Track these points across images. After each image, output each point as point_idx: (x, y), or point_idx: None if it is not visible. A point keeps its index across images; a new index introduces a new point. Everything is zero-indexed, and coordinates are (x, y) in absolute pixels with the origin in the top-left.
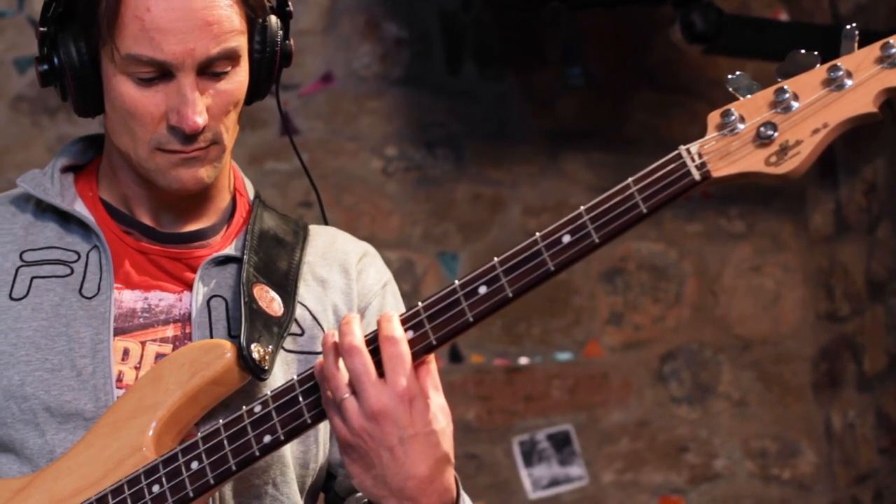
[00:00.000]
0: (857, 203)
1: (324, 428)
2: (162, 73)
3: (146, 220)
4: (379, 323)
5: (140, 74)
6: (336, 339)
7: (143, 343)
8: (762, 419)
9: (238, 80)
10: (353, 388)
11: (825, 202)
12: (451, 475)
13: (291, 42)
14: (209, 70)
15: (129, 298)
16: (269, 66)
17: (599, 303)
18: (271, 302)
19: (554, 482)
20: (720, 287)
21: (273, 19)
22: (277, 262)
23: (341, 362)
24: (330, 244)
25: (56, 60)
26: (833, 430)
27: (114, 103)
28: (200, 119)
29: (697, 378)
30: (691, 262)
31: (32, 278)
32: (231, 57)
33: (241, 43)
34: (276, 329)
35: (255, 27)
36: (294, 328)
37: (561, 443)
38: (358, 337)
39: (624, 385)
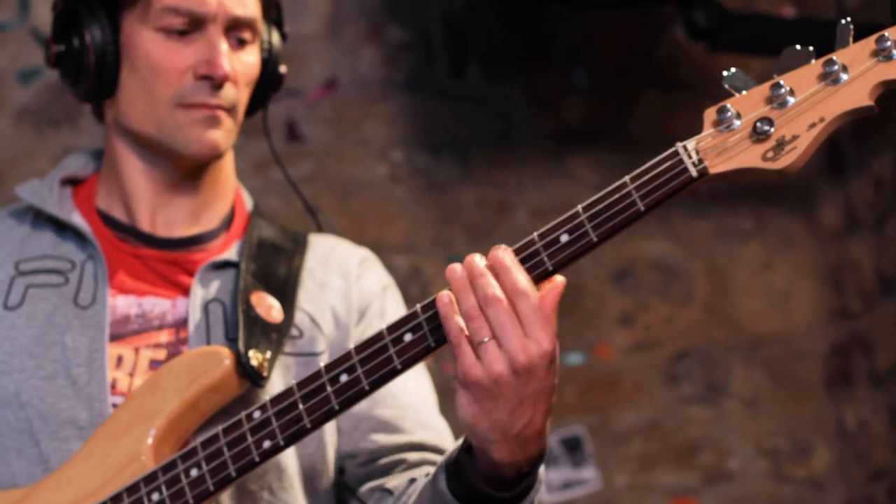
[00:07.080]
0: (865, 198)
1: (329, 428)
2: (193, 26)
3: (144, 223)
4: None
5: (173, 26)
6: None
7: (136, 349)
8: (775, 418)
9: (255, 57)
10: (496, 334)
11: (834, 198)
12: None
13: (284, 67)
14: (234, 33)
15: (122, 304)
16: (270, 75)
17: (609, 304)
18: (270, 309)
19: (567, 485)
20: (730, 286)
21: (276, 35)
22: (276, 268)
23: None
24: (329, 250)
25: (75, 39)
26: (846, 427)
27: (135, 65)
28: (229, 68)
29: (709, 378)
30: (701, 262)
31: (27, 287)
32: (252, 27)
33: (259, 21)
34: (274, 335)
35: (265, 30)
36: (293, 332)
37: (573, 446)
38: (498, 287)
39: (635, 386)
